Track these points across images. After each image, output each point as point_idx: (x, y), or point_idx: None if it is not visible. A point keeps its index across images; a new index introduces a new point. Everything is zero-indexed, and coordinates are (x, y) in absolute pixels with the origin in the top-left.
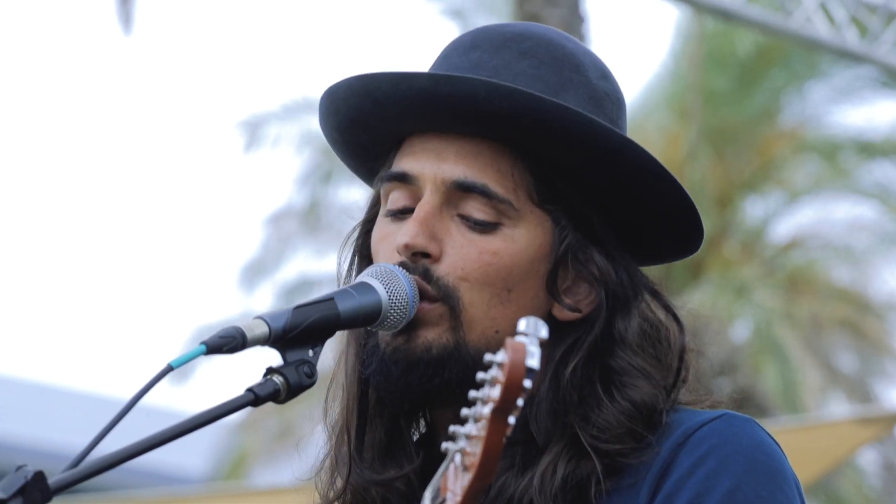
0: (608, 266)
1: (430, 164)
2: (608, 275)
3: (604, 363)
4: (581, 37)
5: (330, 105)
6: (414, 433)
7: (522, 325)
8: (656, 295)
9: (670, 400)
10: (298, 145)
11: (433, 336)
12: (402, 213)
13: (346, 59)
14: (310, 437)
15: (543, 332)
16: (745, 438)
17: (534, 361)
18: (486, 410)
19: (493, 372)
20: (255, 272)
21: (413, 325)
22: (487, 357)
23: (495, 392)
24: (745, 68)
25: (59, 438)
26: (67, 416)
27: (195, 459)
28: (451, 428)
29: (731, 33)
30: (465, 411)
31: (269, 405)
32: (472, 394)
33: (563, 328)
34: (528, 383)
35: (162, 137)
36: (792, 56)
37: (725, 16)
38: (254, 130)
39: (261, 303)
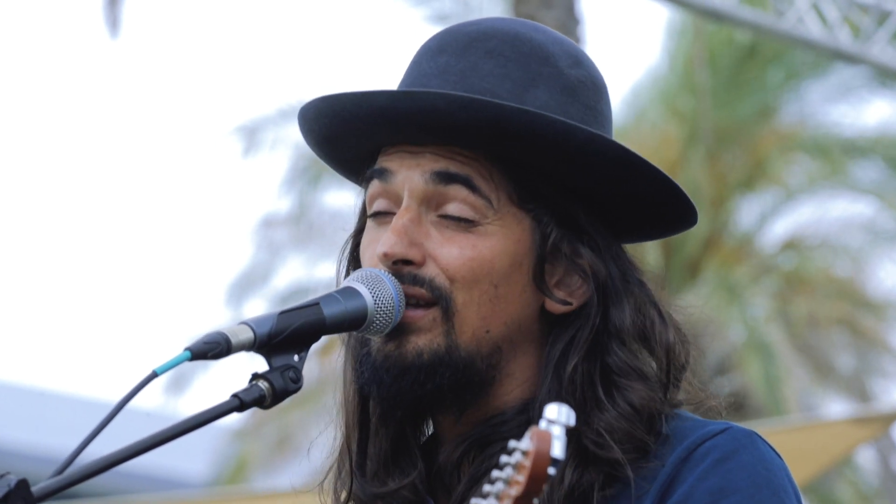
0: (596, 258)
1: (408, 159)
2: (597, 266)
3: (603, 362)
4: (577, 38)
5: (304, 125)
6: (422, 438)
7: (551, 412)
8: (643, 287)
9: (668, 403)
10: (293, 149)
11: (424, 342)
12: (383, 216)
13: (339, 63)
14: (314, 442)
15: (571, 419)
16: (747, 453)
17: (559, 451)
18: (512, 492)
19: (518, 457)
20: (250, 279)
21: (404, 332)
22: (512, 444)
23: (520, 478)
24: (740, 67)
25: (56, 443)
26: (65, 420)
27: (196, 464)
28: (473, 500)
29: (727, 32)
30: (486, 487)
31: (271, 410)
32: (495, 473)
33: (558, 324)
34: (552, 471)
35: (154, 143)
36: (788, 55)
37: (717, 17)
38: (251, 136)
39: (257, 310)
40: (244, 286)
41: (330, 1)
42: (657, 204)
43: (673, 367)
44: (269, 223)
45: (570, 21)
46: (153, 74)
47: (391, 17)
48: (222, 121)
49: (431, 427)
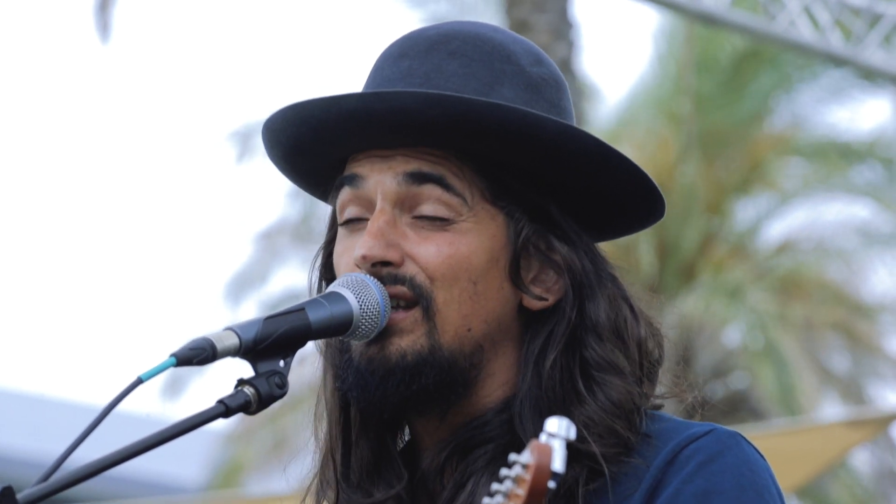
0: (570, 252)
1: (379, 163)
2: (571, 261)
3: (581, 356)
4: (570, 42)
5: (270, 137)
6: (399, 443)
7: (551, 425)
8: (615, 282)
9: (645, 397)
10: None
11: (407, 343)
12: (356, 223)
13: (334, 66)
14: (303, 449)
15: (572, 433)
16: (731, 455)
17: (559, 465)
18: None
19: (518, 470)
20: (246, 284)
21: (386, 334)
22: (512, 457)
23: (520, 491)
24: (733, 71)
25: (54, 449)
26: (63, 426)
27: (189, 469)
28: None
29: (720, 36)
30: (486, 501)
31: (264, 415)
32: (495, 486)
33: (536, 319)
34: (552, 485)
35: (148, 148)
36: (781, 58)
37: (709, 20)
38: (245, 141)
39: (260, 311)
40: (243, 287)
41: (323, 5)
42: (628, 196)
43: (646, 362)
44: (271, 231)
45: (564, 25)
46: (145, 79)
47: (384, 19)
48: (217, 125)
49: (408, 435)
